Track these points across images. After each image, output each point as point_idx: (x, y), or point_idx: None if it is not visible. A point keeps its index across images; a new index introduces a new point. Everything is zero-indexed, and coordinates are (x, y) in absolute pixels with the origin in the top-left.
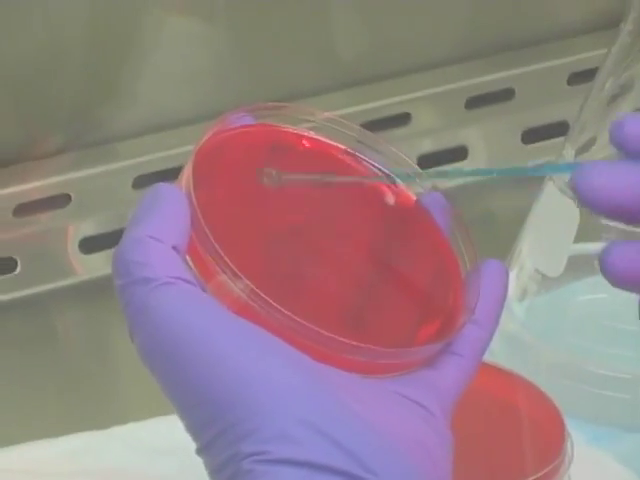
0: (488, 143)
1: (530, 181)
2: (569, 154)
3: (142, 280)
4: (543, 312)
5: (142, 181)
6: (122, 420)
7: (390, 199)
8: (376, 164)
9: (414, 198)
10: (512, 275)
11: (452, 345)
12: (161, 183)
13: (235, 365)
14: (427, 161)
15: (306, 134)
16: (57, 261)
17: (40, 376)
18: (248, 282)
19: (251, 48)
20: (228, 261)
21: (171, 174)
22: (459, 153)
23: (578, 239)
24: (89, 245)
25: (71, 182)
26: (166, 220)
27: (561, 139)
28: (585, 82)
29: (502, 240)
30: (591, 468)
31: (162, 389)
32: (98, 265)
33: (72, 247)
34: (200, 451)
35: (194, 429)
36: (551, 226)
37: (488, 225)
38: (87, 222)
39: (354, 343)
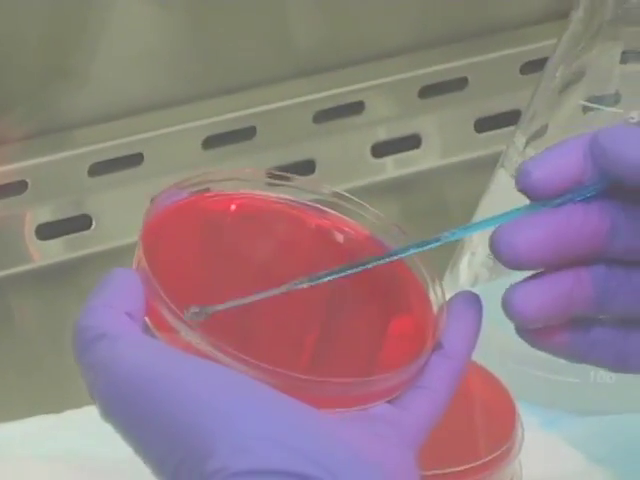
0: (442, 131)
1: (482, 168)
2: (520, 142)
3: (95, 337)
4: (495, 298)
5: (98, 168)
6: (77, 404)
7: (340, 237)
8: (308, 202)
9: (367, 232)
10: (464, 261)
11: (420, 379)
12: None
13: (189, 394)
14: (381, 150)
15: (236, 193)
16: (14, 247)
17: None
18: (199, 330)
19: (207, 35)
20: (178, 311)
21: (126, 162)
22: (413, 141)
23: None
24: (46, 231)
25: (27, 169)
26: (117, 290)
27: (514, 128)
28: (538, 71)
29: (455, 226)
30: (542, 451)
31: (125, 438)
32: (55, 251)
33: (29, 233)
34: None
35: (157, 465)
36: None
37: (441, 212)
38: (44, 209)
39: (304, 377)
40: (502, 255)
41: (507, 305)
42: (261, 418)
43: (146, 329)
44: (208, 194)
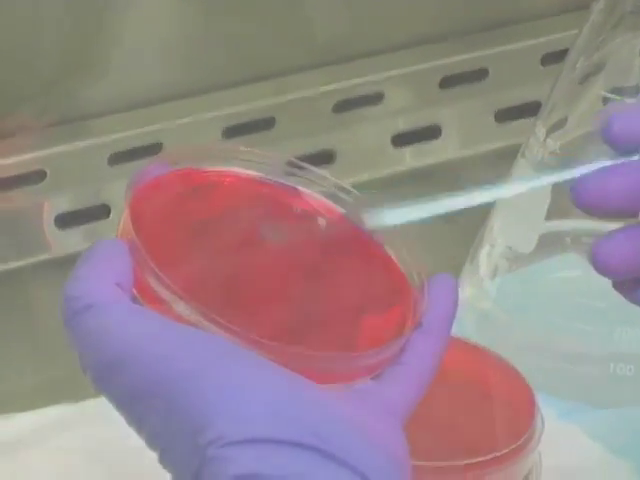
0: (461, 122)
1: (501, 159)
2: (541, 133)
3: (84, 307)
4: (514, 289)
5: (117, 158)
6: (95, 393)
7: (322, 220)
8: (296, 185)
9: (341, 213)
10: (484, 252)
11: (400, 356)
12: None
13: (183, 364)
14: (400, 140)
15: (226, 171)
16: (33, 236)
17: (15, 349)
18: (189, 301)
19: (225, 26)
20: (170, 283)
21: (146, 151)
22: (432, 132)
23: (549, 217)
24: (64, 221)
25: (47, 158)
26: (105, 260)
27: (534, 119)
28: (558, 63)
29: (474, 218)
30: (561, 442)
31: (117, 409)
32: (73, 241)
33: (47, 223)
34: (162, 456)
35: (151, 435)
36: (522, 203)
37: None
38: (62, 198)
39: (293, 349)
40: (575, 198)
41: (592, 257)
42: (256, 387)
43: (134, 301)
44: (195, 169)
